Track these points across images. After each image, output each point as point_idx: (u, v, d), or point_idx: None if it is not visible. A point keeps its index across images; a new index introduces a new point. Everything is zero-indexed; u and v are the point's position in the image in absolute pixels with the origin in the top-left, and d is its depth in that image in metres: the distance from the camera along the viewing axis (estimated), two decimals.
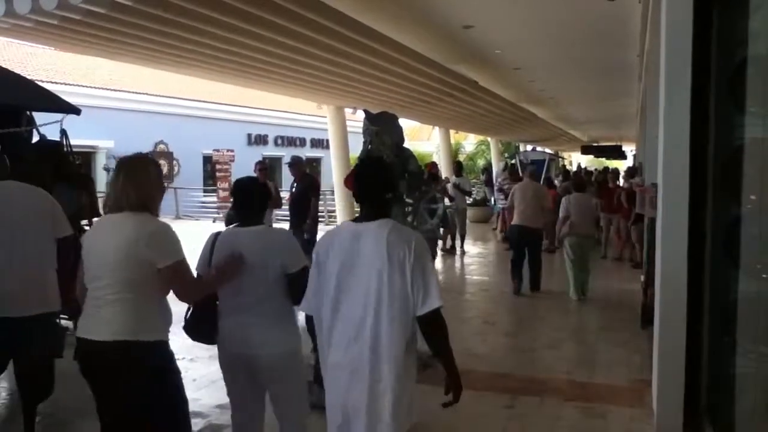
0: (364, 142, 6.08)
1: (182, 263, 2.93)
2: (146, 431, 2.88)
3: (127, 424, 2.87)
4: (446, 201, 11.98)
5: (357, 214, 2.94)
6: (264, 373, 3.27)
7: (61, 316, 6.46)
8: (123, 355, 2.81)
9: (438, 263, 12.60)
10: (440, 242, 13.66)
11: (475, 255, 13.89)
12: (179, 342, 6.89)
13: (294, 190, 9.36)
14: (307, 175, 9.44)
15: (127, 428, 2.87)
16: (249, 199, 3.44)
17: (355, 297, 2.66)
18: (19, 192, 4.01)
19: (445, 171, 20.00)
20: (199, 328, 3.38)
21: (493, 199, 19.33)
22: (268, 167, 9.83)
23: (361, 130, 6.19)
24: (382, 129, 5.97)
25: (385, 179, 2.89)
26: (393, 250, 2.63)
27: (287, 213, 9.59)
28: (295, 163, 9.37)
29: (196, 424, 4.60)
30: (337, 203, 17.55)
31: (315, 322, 2.86)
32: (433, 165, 12.82)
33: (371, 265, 2.64)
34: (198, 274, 3.31)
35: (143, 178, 2.96)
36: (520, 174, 18.12)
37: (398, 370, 2.63)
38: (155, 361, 2.91)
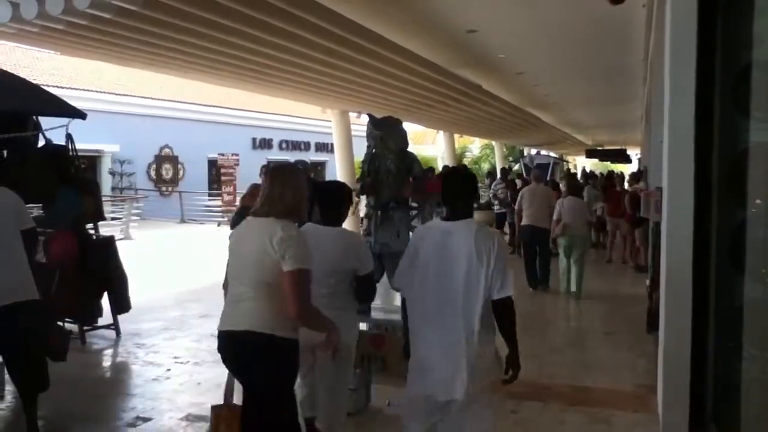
0: (368, 146, 6.09)
1: (302, 273, 3.03)
2: (274, 407, 3.18)
3: (263, 400, 3.19)
4: None
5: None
6: (321, 353, 3.60)
7: (66, 320, 6.52)
8: (258, 345, 3.07)
9: None
10: None
11: None
12: (184, 345, 6.93)
13: None
14: (311, 180, 9.39)
15: (264, 403, 3.18)
16: (335, 202, 3.88)
17: (448, 281, 3.15)
18: None
19: None
20: None
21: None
22: None
23: (365, 134, 6.20)
24: (386, 134, 5.98)
25: (471, 187, 3.42)
26: (480, 245, 3.13)
27: None
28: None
29: (200, 427, 4.62)
30: None
31: (408, 301, 3.37)
32: (431, 170, 12.83)
33: (461, 256, 3.13)
34: None
35: (293, 187, 3.17)
36: (524, 176, 18.10)
37: (479, 338, 3.14)
38: (284, 353, 3.12)
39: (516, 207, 10.55)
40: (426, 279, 3.22)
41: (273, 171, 3.24)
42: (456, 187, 3.35)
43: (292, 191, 3.14)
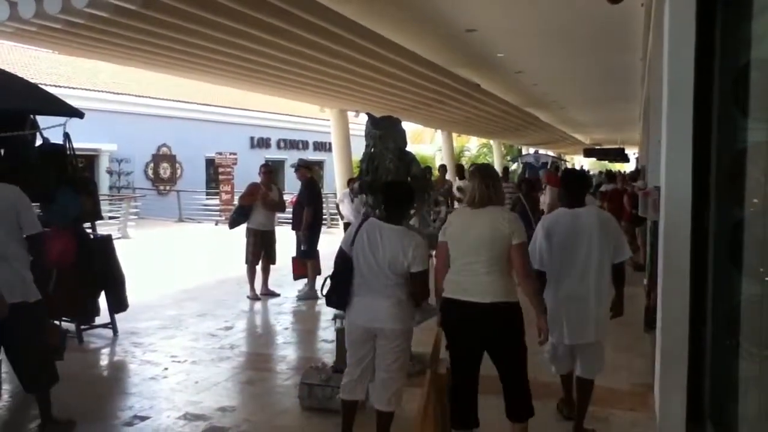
0: (367, 146, 6.08)
1: (525, 244, 3.80)
2: (522, 360, 3.80)
3: (508, 360, 3.77)
4: (456, 204, 11.97)
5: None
6: (383, 340, 3.98)
7: (63, 319, 6.51)
8: (503, 311, 3.66)
9: None
10: None
11: None
12: (181, 344, 6.92)
13: (300, 192, 9.36)
14: (311, 179, 9.38)
15: (510, 362, 3.77)
16: (400, 203, 4.21)
17: (580, 253, 4.25)
18: None
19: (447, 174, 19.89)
20: (334, 298, 4.11)
21: None
22: (272, 170, 9.82)
23: (363, 133, 6.20)
24: (385, 133, 5.97)
25: (587, 183, 5.04)
26: (603, 223, 4.32)
27: (290, 216, 9.60)
28: (299, 167, 9.36)
29: (197, 426, 4.61)
30: (340, 205, 17.47)
31: (548, 274, 4.36)
32: (428, 170, 12.82)
33: (591, 232, 4.25)
34: (341, 247, 4.12)
35: (497, 181, 3.90)
36: (525, 176, 18.04)
37: (606, 295, 4.35)
38: (520, 314, 3.73)
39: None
40: (558, 255, 4.28)
41: (478, 170, 3.95)
42: (578, 184, 4.63)
43: (496, 184, 3.85)
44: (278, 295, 9.21)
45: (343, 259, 4.08)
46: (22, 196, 4.27)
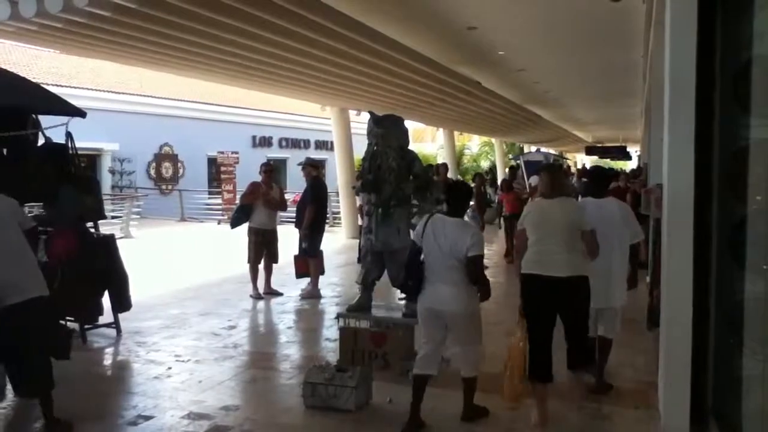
0: (369, 144, 6.08)
1: (594, 231, 4.59)
2: (585, 324, 4.72)
3: (577, 321, 4.64)
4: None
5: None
6: (449, 320, 4.55)
7: (68, 319, 6.52)
8: (575, 282, 4.48)
9: None
10: None
11: None
12: (184, 343, 6.93)
13: (303, 191, 9.37)
14: (316, 178, 9.38)
15: (577, 322, 4.64)
16: (461, 199, 4.79)
17: (607, 235, 4.87)
18: None
19: (451, 172, 19.86)
20: (410, 285, 4.68)
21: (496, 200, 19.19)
22: (274, 169, 9.82)
23: (365, 132, 6.20)
24: (387, 132, 5.97)
25: (610, 178, 6.62)
26: (623, 212, 5.22)
27: (293, 214, 9.61)
28: (305, 165, 9.37)
29: (201, 425, 4.62)
30: (341, 205, 17.50)
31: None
32: (431, 168, 12.82)
33: (613, 219, 5.07)
34: (413, 240, 4.75)
35: (563, 176, 4.96)
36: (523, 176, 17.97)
37: (625, 269, 5.27)
38: (585, 285, 4.54)
39: None
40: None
41: (549, 169, 5.00)
42: (603, 179, 5.66)
43: (563, 179, 4.94)
44: (281, 294, 9.22)
45: (415, 251, 4.67)
46: (16, 203, 4.48)
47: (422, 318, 4.65)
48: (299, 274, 9.19)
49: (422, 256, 4.59)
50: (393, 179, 5.91)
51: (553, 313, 4.56)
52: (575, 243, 4.49)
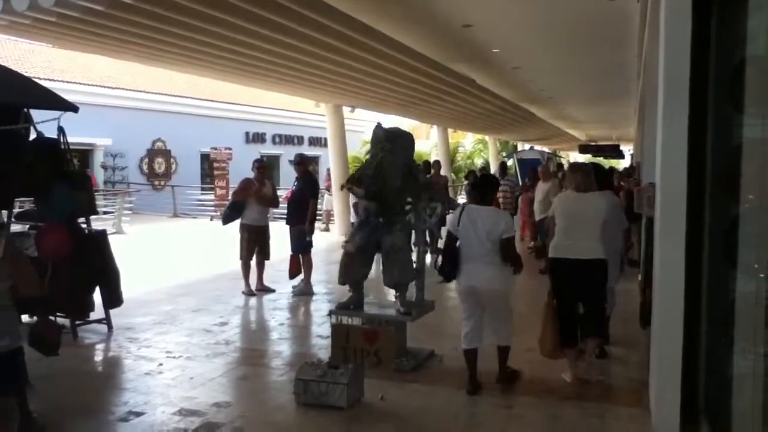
0: (375, 154, 5.94)
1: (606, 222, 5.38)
2: (603, 302, 5.48)
3: (596, 298, 5.39)
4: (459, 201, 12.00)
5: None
6: (484, 297, 5.19)
7: (58, 315, 6.49)
8: (596, 265, 5.26)
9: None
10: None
11: None
12: (176, 339, 6.91)
13: (294, 188, 9.34)
14: (308, 173, 9.40)
15: (598, 301, 5.40)
16: (490, 190, 5.51)
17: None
18: None
19: (444, 170, 19.83)
20: (447, 269, 5.25)
21: None
22: (266, 166, 9.80)
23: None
24: (395, 148, 5.93)
25: (607, 174, 7.23)
26: (609, 202, 5.59)
27: (284, 210, 9.59)
28: (302, 162, 9.35)
29: (192, 422, 4.61)
30: (334, 202, 17.46)
31: None
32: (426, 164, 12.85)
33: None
34: (449, 230, 5.34)
35: (591, 174, 5.57)
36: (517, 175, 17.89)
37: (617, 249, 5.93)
38: (605, 267, 5.33)
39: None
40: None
41: (580, 167, 5.82)
42: (602, 174, 6.15)
43: (592, 177, 5.51)
44: (273, 290, 9.20)
45: (451, 238, 5.25)
46: None
47: (462, 296, 5.32)
48: (293, 275, 9.15)
49: (457, 243, 5.21)
50: (395, 195, 5.93)
51: (576, 290, 5.35)
52: (598, 231, 5.26)
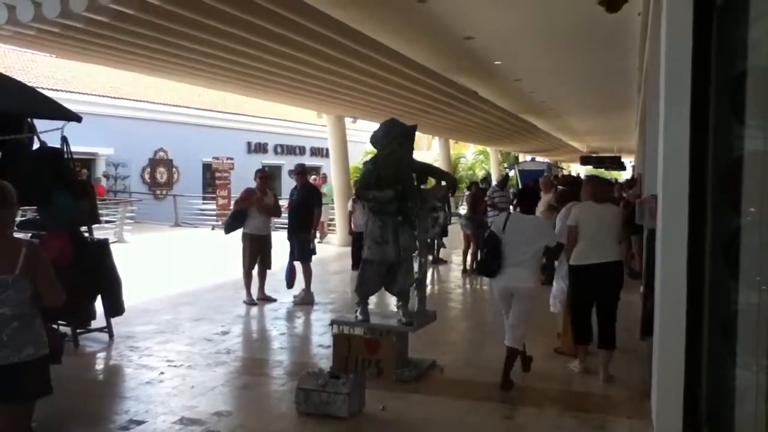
0: (391, 151, 5.86)
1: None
2: (617, 299, 6.00)
3: (607, 298, 5.94)
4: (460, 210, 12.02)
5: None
6: (518, 295, 5.60)
7: (59, 323, 6.49)
8: (618, 266, 5.98)
9: (430, 273, 12.60)
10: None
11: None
12: (177, 348, 6.90)
13: (295, 197, 9.36)
14: (309, 183, 9.47)
15: (614, 297, 5.95)
16: (533, 200, 6.38)
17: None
18: None
19: None
20: (491, 267, 5.64)
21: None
22: (268, 175, 9.84)
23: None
24: (406, 139, 5.98)
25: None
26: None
27: (285, 220, 9.62)
28: (302, 171, 9.41)
29: (193, 431, 4.60)
30: (336, 213, 17.47)
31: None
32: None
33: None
34: (493, 232, 5.79)
35: (608, 185, 6.66)
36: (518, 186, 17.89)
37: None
38: (621, 268, 6.11)
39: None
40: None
41: (598, 179, 6.64)
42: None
43: (607, 188, 6.44)
44: (275, 300, 9.20)
45: (495, 241, 5.64)
46: None
47: (499, 295, 5.80)
48: (292, 283, 9.17)
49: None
50: (413, 193, 5.94)
51: (594, 290, 5.89)
52: (615, 235, 5.98)
